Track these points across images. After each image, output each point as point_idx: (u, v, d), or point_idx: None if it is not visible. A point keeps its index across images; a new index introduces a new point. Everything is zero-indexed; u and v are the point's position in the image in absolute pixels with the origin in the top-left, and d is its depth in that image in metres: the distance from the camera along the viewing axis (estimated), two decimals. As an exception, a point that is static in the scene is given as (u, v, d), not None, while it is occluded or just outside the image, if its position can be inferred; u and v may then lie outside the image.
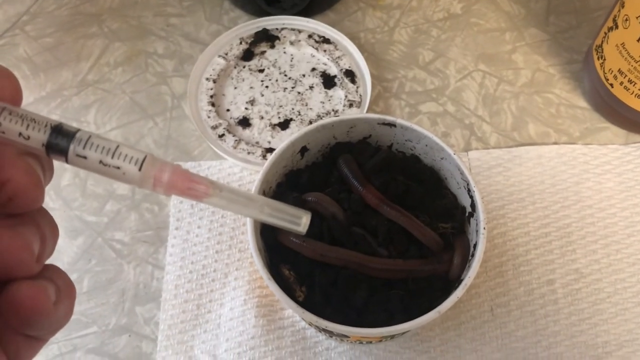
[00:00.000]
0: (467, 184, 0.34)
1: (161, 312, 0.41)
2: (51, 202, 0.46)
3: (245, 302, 0.41)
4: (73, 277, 0.43)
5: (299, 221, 0.25)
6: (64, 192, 0.46)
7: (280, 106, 0.49)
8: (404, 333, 0.36)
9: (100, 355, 0.40)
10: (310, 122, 0.48)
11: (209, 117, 0.48)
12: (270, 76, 0.51)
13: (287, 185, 0.37)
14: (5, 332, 0.20)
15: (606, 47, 0.45)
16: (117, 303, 0.42)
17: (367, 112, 0.48)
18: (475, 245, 0.33)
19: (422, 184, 0.37)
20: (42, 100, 0.51)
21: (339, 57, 0.51)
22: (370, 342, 0.39)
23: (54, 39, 0.55)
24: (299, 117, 0.49)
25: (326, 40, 0.52)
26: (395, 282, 0.33)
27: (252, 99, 0.50)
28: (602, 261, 0.42)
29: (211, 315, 0.41)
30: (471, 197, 0.34)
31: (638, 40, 0.41)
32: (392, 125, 0.37)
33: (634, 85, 0.44)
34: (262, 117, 0.49)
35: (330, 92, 0.50)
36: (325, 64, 0.52)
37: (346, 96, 0.49)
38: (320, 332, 0.38)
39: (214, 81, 0.50)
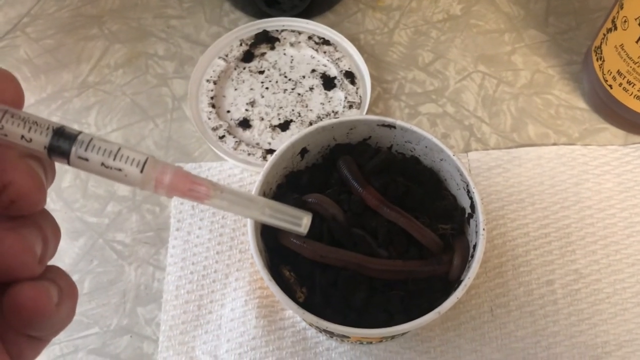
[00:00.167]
0: (467, 185, 0.34)
1: (162, 313, 0.41)
2: (52, 203, 0.46)
3: (246, 303, 0.41)
4: (74, 278, 0.43)
5: (300, 222, 0.25)
6: (65, 194, 0.46)
7: (281, 107, 0.50)
8: (404, 333, 0.36)
9: (101, 356, 0.40)
10: (310, 124, 0.48)
11: (209, 118, 0.48)
12: (271, 78, 0.51)
13: (287, 186, 0.37)
14: (8, 333, 0.20)
15: (605, 49, 0.46)
16: (118, 304, 0.42)
17: (366, 113, 0.48)
18: (474, 246, 0.33)
19: (421, 185, 0.37)
20: (42, 102, 0.51)
21: (338, 58, 0.51)
22: (371, 343, 0.39)
23: (55, 41, 0.55)
24: (299, 118, 0.49)
25: (326, 42, 0.52)
26: (395, 283, 0.33)
27: (252, 100, 0.50)
28: (602, 262, 0.42)
29: (212, 316, 0.41)
30: (471, 198, 0.34)
31: (637, 42, 0.42)
32: (391, 126, 0.37)
33: (632, 87, 0.44)
34: (262, 119, 0.49)
35: (330, 93, 0.50)
36: (325, 66, 0.52)
37: (346, 97, 0.49)
38: (320, 332, 0.38)
39: (215, 83, 0.50)
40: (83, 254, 0.44)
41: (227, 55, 0.52)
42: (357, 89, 0.50)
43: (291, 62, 0.52)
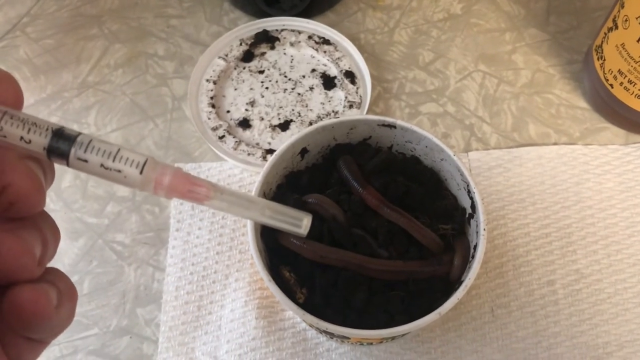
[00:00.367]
0: (467, 185, 0.34)
1: (162, 314, 0.41)
2: (52, 203, 0.46)
3: (246, 304, 0.41)
4: (74, 279, 0.43)
5: (300, 223, 0.25)
6: (65, 194, 0.46)
7: (281, 107, 0.49)
8: (404, 334, 0.36)
9: (101, 357, 0.40)
10: (311, 123, 0.48)
11: (209, 118, 0.48)
12: (271, 77, 0.51)
13: (287, 186, 0.37)
14: (7, 335, 0.20)
15: (606, 48, 0.45)
16: (118, 305, 0.42)
17: (367, 113, 0.48)
18: (475, 247, 0.33)
19: (422, 185, 0.37)
20: (42, 102, 0.51)
21: (339, 58, 0.51)
22: (371, 344, 0.39)
23: (55, 41, 0.55)
24: (299, 118, 0.49)
25: (326, 41, 0.52)
26: (395, 283, 0.33)
27: (252, 100, 0.50)
28: (603, 262, 0.42)
29: (212, 317, 0.41)
30: (471, 198, 0.34)
31: (638, 41, 0.41)
32: (392, 126, 0.37)
33: (633, 86, 0.44)
34: (262, 119, 0.49)
35: (331, 93, 0.50)
36: (325, 65, 0.52)
37: (346, 97, 0.49)
38: (321, 333, 0.38)
39: (214, 82, 0.50)
40: (83, 255, 0.44)
41: (227, 55, 0.51)
42: (357, 88, 0.50)
43: (291, 62, 0.52)
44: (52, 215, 0.22)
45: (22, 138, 0.20)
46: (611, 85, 0.46)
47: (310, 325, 0.35)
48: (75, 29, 0.56)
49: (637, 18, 0.41)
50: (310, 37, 0.53)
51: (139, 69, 0.53)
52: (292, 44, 0.53)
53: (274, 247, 0.34)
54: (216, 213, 0.45)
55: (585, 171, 0.46)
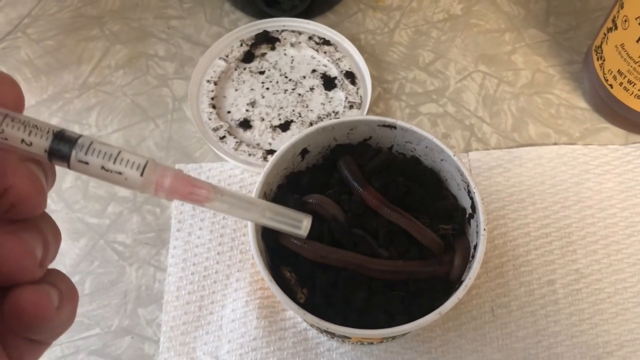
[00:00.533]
0: (468, 186, 0.34)
1: (163, 314, 0.41)
2: (53, 204, 0.46)
3: (247, 304, 0.41)
4: (75, 279, 0.43)
5: (300, 224, 0.25)
6: (66, 195, 0.46)
7: (281, 108, 0.50)
8: (405, 334, 0.36)
9: (103, 357, 0.40)
10: (311, 124, 0.49)
11: (209, 119, 0.48)
12: (271, 78, 0.51)
13: (288, 187, 0.37)
14: (8, 336, 0.20)
15: (606, 48, 0.45)
16: (119, 305, 0.42)
17: (367, 113, 0.48)
18: (475, 247, 0.33)
19: (422, 185, 0.37)
20: (43, 103, 0.51)
21: (339, 58, 0.51)
22: (372, 343, 0.39)
23: (56, 42, 0.55)
24: (299, 118, 0.49)
25: (326, 42, 0.52)
26: (396, 283, 0.33)
27: (252, 100, 0.50)
28: (603, 261, 0.42)
29: (213, 317, 0.41)
30: (471, 198, 0.34)
31: (637, 41, 0.41)
32: (392, 127, 0.37)
33: (633, 86, 0.44)
34: (262, 119, 0.49)
35: (331, 93, 0.50)
36: (326, 66, 0.52)
37: (347, 98, 0.49)
38: (321, 333, 0.38)
39: (215, 83, 0.50)
40: (84, 255, 0.44)
41: (227, 56, 0.52)
42: (357, 89, 0.50)
43: (291, 63, 0.52)
44: (53, 215, 0.22)
45: (23, 141, 0.20)
46: (611, 85, 0.46)
47: (311, 325, 0.35)
48: (76, 29, 0.56)
49: (636, 18, 0.41)
50: (310, 38, 0.53)
51: (139, 70, 0.53)
52: (292, 45, 0.53)
53: (274, 247, 0.34)
54: (217, 214, 0.45)
55: (585, 171, 0.46)
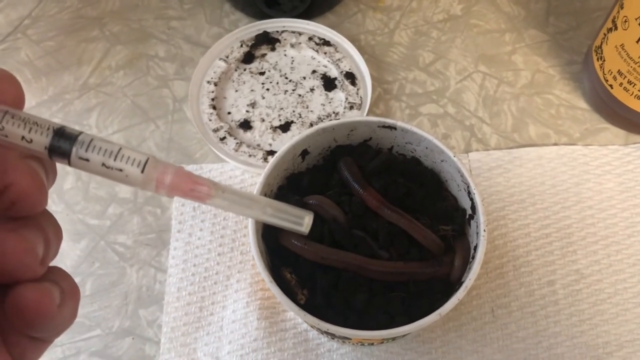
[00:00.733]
0: (468, 187, 0.34)
1: (164, 315, 0.41)
2: (54, 205, 0.46)
3: (247, 305, 0.41)
4: (76, 280, 0.43)
5: (302, 221, 0.25)
6: (67, 196, 0.46)
7: (281, 109, 0.50)
8: (405, 335, 0.36)
9: (104, 358, 0.40)
10: (311, 125, 0.49)
11: (210, 120, 0.48)
12: (271, 79, 0.51)
13: (288, 188, 0.37)
14: (10, 333, 0.20)
15: (605, 48, 0.46)
16: (120, 306, 0.42)
17: (367, 114, 0.49)
18: (475, 247, 0.33)
19: (422, 186, 0.37)
20: (44, 104, 0.51)
21: (339, 59, 0.51)
22: (372, 344, 0.39)
23: (56, 43, 0.55)
24: (299, 119, 0.49)
25: (326, 43, 0.52)
26: (396, 284, 0.33)
27: (253, 101, 0.50)
28: (603, 262, 0.42)
29: (214, 318, 0.41)
30: (471, 199, 0.34)
31: (637, 42, 0.42)
32: (392, 127, 0.37)
33: (633, 86, 0.44)
34: (263, 120, 0.49)
35: (331, 94, 0.50)
36: (326, 67, 0.52)
37: (347, 98, 0.49)
38: (322, 334, 0.38)
39: (215, 84, 0.50)
40: (84, 256, 0.44)
41: (227, 57, 0.52)
42: (357, 89, 0.50)
43: (292, 63, 0.52)
44: (54, 216, 0.22)
45: (23, 137, 0.20)
46: (611, 85, 0.46)
47: (312, 326, 0.35)
48: (76, 30, 0.56)
49: (636, 19, 0.41)
50: (310, 39, 0.53)
51: (140, 71, 0.53)
52: (292, 46, 0.53)
53: (275, 248, 0.34)
54: (218, 214, 0.45)
55: (585, 171, 0.46)
